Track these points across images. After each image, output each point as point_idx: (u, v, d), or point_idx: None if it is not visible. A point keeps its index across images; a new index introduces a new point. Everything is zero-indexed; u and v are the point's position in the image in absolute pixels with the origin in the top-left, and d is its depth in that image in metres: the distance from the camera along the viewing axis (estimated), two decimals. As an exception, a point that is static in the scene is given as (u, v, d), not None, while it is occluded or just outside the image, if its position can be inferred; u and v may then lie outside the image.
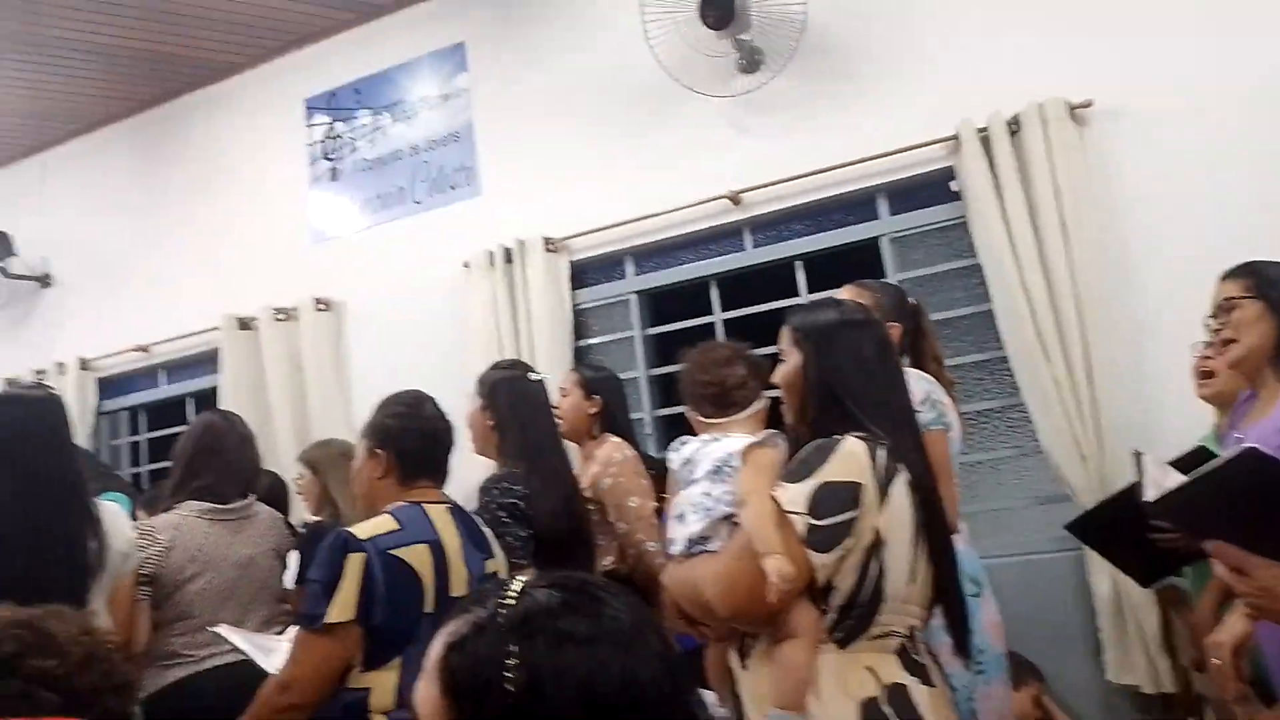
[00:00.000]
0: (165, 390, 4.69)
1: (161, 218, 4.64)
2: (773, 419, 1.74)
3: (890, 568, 1.44)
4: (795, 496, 1.44)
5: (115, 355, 4.62)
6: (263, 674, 2.12)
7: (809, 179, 3.27)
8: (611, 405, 2.76)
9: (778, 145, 3.36)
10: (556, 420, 2.50)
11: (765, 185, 3.33)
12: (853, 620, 1.44)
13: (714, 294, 3.60)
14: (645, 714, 0.73)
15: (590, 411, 2.68)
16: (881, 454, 1.46)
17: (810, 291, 3.40)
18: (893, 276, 3.23)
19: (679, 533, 1.63)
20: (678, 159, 3.53)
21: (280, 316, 4.14)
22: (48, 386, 2.37)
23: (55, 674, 1.05)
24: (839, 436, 1.47)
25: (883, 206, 3.32)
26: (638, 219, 3.54)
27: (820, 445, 1.48)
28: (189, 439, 2.57)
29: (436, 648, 0.77)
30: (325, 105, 4.26)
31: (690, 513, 1.62)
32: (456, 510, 2.01)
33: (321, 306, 4.10)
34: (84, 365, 4.68)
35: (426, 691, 0.76)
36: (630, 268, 3.73)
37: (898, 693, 1.42)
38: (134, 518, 3.32)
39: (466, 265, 3.76)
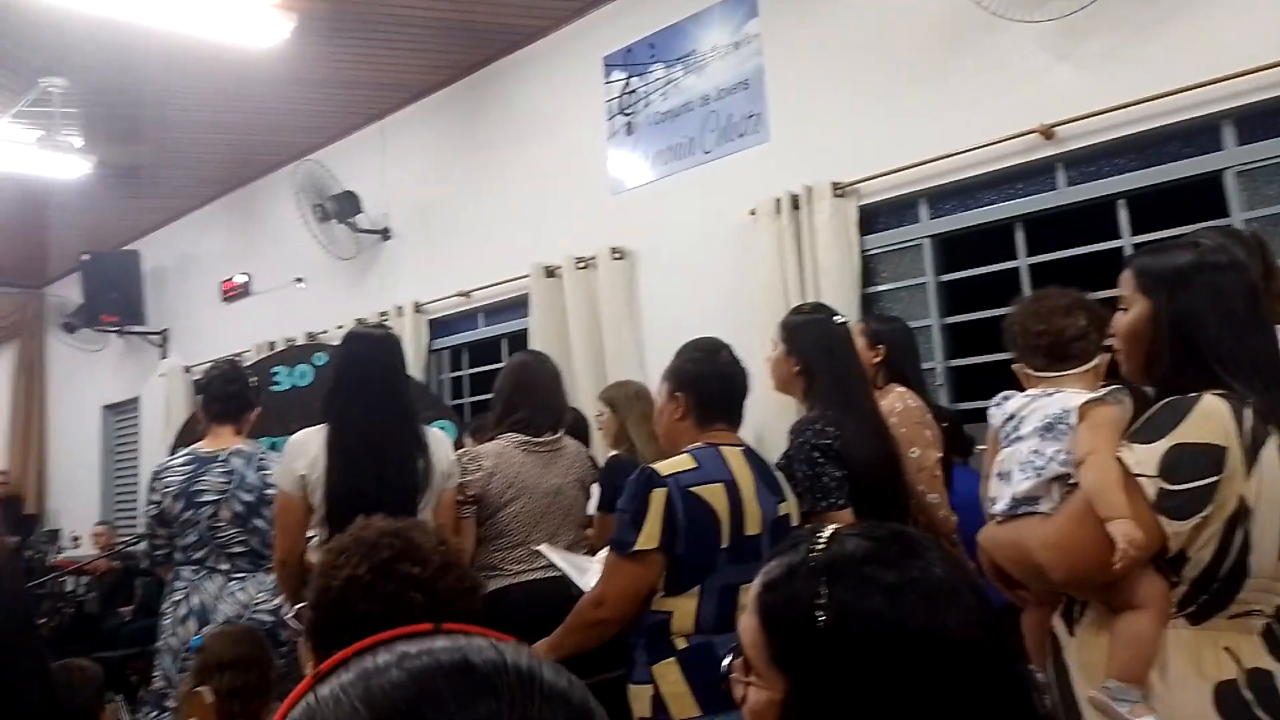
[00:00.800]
0: (483, 331, 5.19)
1: (481, 175, 5.10)
2: (1111, 374, 1.61)
3: (1258, 540, 1.30)
4: (1145, 458, 1.33)
5: (443, 299, 5.17)
6: (565, 592, 2.34)
7: (1138, 107, 2.93)
8: (897, 355, 2.70)
9: (1100, 71, 3.04)
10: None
11: (1084, 116, 3.03)
12: (1209, 595, 1.32)
13: (1019, 237, 3.36)
14: (955, 666, 0.73)
15: (874, 361, 2.63)
16: (1248, 414, 1.31)
17: (1134, 233, 3.07)
18: (1239, 215, 2.83)
19: (1002, 491, 1.57)
20: (980, 92, 3.30)
21: (580, 265, 4.42)
22: (387, 326, 2.71)
23: (421, 578, 1.19)
24: (1195, 394, 1.34)
25: (1228, 135, 2.91)
26: (933, 159, 3.37)
27: (1173, 403, 1.35)
28: (506, 377, 2.84)
29: (755, 586, 0.83)
30: (621, 62, 4.43)
31: (1016, 471, 1.54)
32: (750, 453, 2.08)
33: (617, 255, 4.32)
34: (418, 308, 5.29)
35: (748, 623, 0.82)
36: (924, 211, 3.57)
37: (1261, 679, 1.29)
38: (459, 444, 3.76)
39: (753, 213, 3.78)
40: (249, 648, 2.27)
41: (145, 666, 5.88)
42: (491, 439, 2.75)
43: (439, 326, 5.36)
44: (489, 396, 4.98)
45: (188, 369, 7.01)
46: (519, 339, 4.78)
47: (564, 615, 2.07)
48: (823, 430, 2.18)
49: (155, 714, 2.68)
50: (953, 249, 3.57)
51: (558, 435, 2.77)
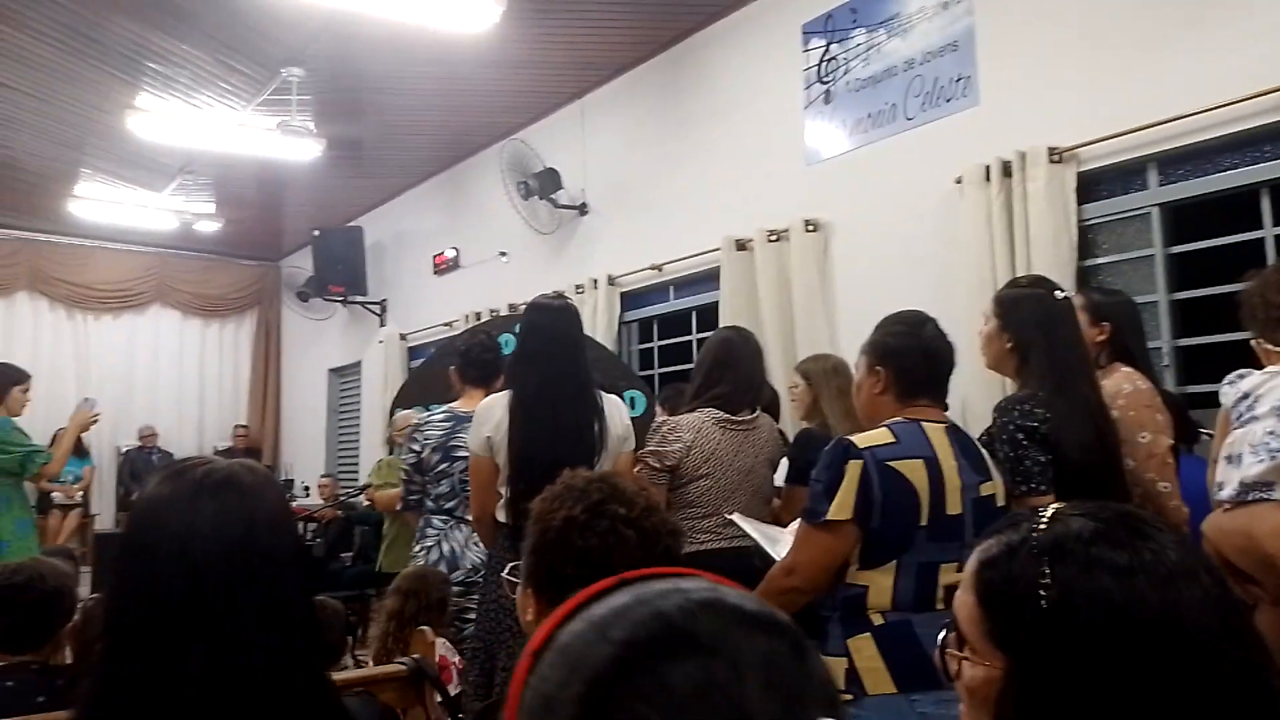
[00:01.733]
0: (674, 304, 5.28)
1: (675, 149, 5.16)
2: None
3: None
4: None
5: (635, 273, 5.30)
6: (749, 564, 2.37)
7: None
8: (1122, 333, 2.51)
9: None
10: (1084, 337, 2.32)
11: (1353, 67, 2.69)
12: None
13: (1264, 204, 3.03)
14: (1189, 652, 0.70)
15: (1097, 339, 2.46)
16: None
17: None
18: None
19: (1230, 476, 1.44)
20: (1223, 44, 2.99)
21: (772, 238, 4.39)
22: (566, 298, 2.82)
23: (630, 517, 1.29)
24: None
25: None
26: (1165, 120, 3.09)
27: None
28: (709, 351, 2.87)
29: (971, 563, 0.82)
30: (821, 29, 4.33)
31: (1248, 454, 1.41)
32: (954, 430, 2.00)
33: (810, 228, 4.25)
34: (611, 281, 5.45)
35: (964, 599, 0.82)
36: (1153, 177, 3.29)
37: None
38: (651, 414, 3.85)
39: (958, 181, 3.62)
40: (415, 583, 2.72)
41: (363, 608, 6.45)
42: (690, 411, 2.79)
43: (630, 299, 5.49)
44: (678, 368, 5.09)
45: (403, 336, 7.55)
46: (709, 312, 4.83)
47: (747, 587, 2.09)
48: (1030, 411, 2.07)
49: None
50: (1184, 218, 3.28)
51: (755, 415, 2.78)
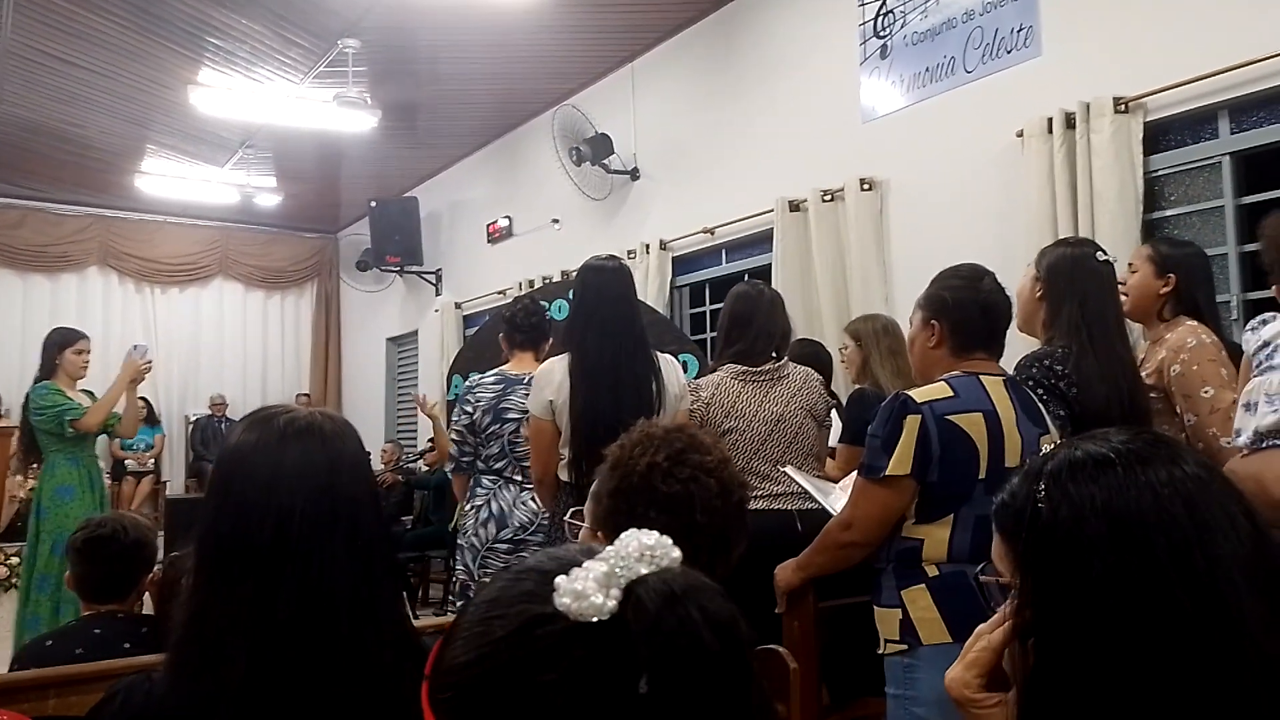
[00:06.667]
0: (726, 268, 5.26)
1: (727, 111, 5.11)
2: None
3: None
4: None
5: (686, 237, 5.28)
6: (787, 524, 2.37)
7: None
8: (1189, 285, 2.45)
9: None
10: (1122, 303, 2.29)
11: None
12: None
13: (1345, 151, 2.91)
14: (1184, 558, 0.71)
15: (1161, 291, 2.41)
16: None
17: None
18: None
19: (1246, 423, 1.42)
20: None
21: (826, 198, 4.34)
22: (618, 258, 2.83)
23: (708, 466, 1.33)
24: None
25: None
26: (1238, 65, 2.97)
27: None
28: (724, 312, 2.88)
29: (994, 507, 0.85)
30: (877, -19, 4.25)
31: (1263, 402, 1.40)
32: (1011, 383, 1.99)
33: (866, 186, 4.20)
34: (663, 246, 5.44)
35: (995, 540, 0.85)
36: (1224, 125, 3.18)
37: None
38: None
39: (1020, 135, 3.53)
40: None
41: (424, 569, 6.62)
42: (712, 371, 2.80)
43: (682, 263, 5.48)
44: (732, 332, 5.05)
45: (458, 305, 7.65)
46: (762, 274, 4.79)
47: (783, 547, 2.12)
48: (1050, 368, 2.06)
49: (461, 604, 3.02)
50: (1257, 168, 3.16)
51: (780, 362, 2.76)
